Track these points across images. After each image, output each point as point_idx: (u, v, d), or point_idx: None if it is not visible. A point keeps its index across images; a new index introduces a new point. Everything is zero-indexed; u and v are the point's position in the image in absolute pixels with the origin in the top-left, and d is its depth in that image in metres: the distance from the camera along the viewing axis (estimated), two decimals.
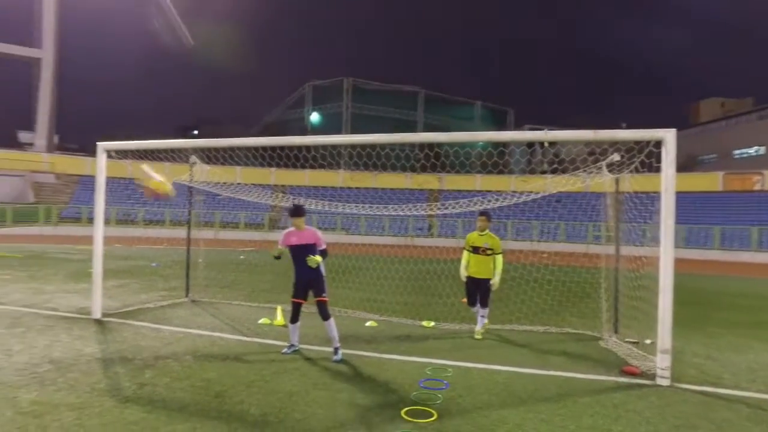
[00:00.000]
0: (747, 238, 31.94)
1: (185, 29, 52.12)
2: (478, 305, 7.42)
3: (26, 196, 38.10)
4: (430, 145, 8.14)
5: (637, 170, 6.48)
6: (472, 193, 8.89)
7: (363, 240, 28.32)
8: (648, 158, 5.96)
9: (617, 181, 7.27)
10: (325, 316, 5.98)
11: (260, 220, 38.66)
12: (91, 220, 8.18)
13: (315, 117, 61.08)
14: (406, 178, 43.08)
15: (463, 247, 7.64)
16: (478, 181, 41.43)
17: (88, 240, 8.30)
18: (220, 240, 30.33)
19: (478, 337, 7.28)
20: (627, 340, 6.93)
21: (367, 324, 7.99)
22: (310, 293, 6.15)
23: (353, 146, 7.79)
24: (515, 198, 8.36)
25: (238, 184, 12.08)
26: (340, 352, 5.94)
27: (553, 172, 8.24)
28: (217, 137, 7.83)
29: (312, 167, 41.84)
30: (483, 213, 7.55)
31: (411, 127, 56.66)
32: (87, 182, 38.10)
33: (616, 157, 7.00)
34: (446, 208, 9.25)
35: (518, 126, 64.33)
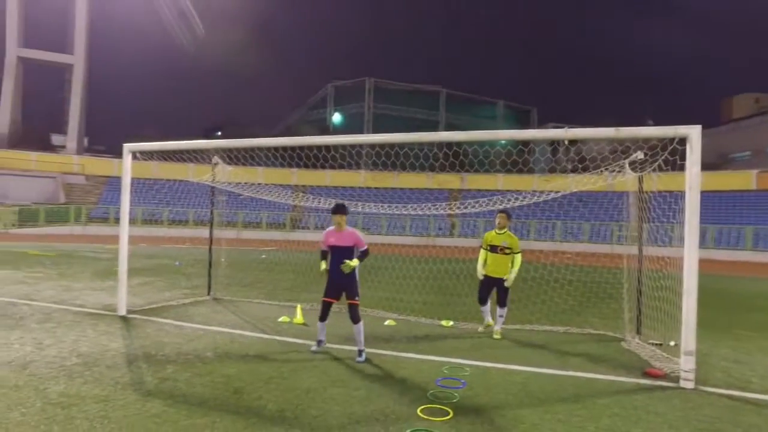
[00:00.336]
0: None
1: (197, 18, 52.97)
2: (496, 305, 7.37)
3: (58, 196, 39.35)
4: (451, 145, 8.11)
5: (660, 168, 6.32)
6: (494, 193, 8.79)
7: (384, 240, 28.37)
8: (672, 155, 5.82)
9: (640, 179, 7.12)
10: (355, 319, 5.96)
11: (282, 220, 39.08)
12: (118, 220, 8.41)
13: (337, 117, 61.40)
14: (427, 178, 42.97)
15: (480, 246, 7.59)
16: (500, 181, 41.03)
17: (116, 240, 8.53)
18: (243, 240, 30.76)
19: (497, 337, 7.23)
20: (650, 341, 6.78)
21: (386, 323, 8.00)
22: (343, 295, 6.12)
23: (374, 146, 7.81)
24: (535, 197, 8.26)
25: (259, 184, 12.24)
26: (364, 354, 5.92)
27: (575, 171, 8.11)
28: (239, 138, 7.94)
29: (332, 167, 42.14)
30: (502, 211, 7.49)
31: (433, 127, 56.39)
32: (114, 183, 39.14)
33: (639, 155, 6.85)
34: (466, 208, 9.19)
35: (541, 125, 63.36)
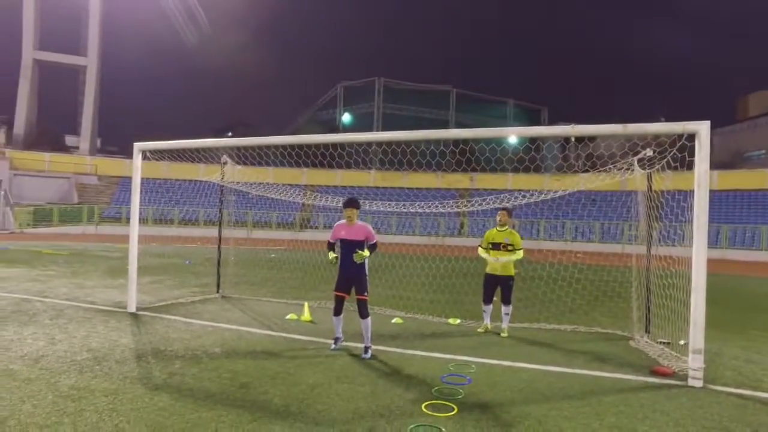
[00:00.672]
0: None
1: (205, 19, 53.44)
2: (492, 305, 7.38)
3: (71, 196, 39.92)
4: (458, 143, 8.12)
5: (668, 165, 6.26)
6: (503, 192, 8.77)
7: (394, 239, 28.41)
8: (680, 152, 5.77)
9: (649, 176, 7.06)
10: (364, 314, 5.98)
11: (291, 219, 39.25)
12: (129, 220, 8.52)
13: (347, 117, 61.54)
14: (436, 178, 42.91)
15: (479, 245, 7.61)
16: (509, 180, 40.84)
17: (127, 239, 8.65)
18: (253, 239, 30.95)
19: (504, 335, 7.21)
20: (659, 340, 6.72)
21: (394, 321, 8.02)
22: (353, 290, 6.13)
23: (383, 145, 7.83)
24: (543, 195, 8.22)
25: (269, 183, 12.32)
26: (371, 351, 5.93)
27: (585, 170, 8.06)
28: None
29: (340, 166, 42.24)
30: (503, 208, 7.51)
31: (443, 127, 56.01)
32: (126, 183, 39.57)
33: (648, 152, 6.80)
34: (473, 206, 9.18)
35: (552, 125, 63.07)
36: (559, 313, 8.75)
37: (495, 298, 7.51)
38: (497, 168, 41.28)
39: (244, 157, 10.72)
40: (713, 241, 30.52)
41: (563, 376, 5.39)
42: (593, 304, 9.70)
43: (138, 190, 8.39)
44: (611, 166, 7.26)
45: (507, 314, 7.34)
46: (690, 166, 5.47)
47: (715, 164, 47.24)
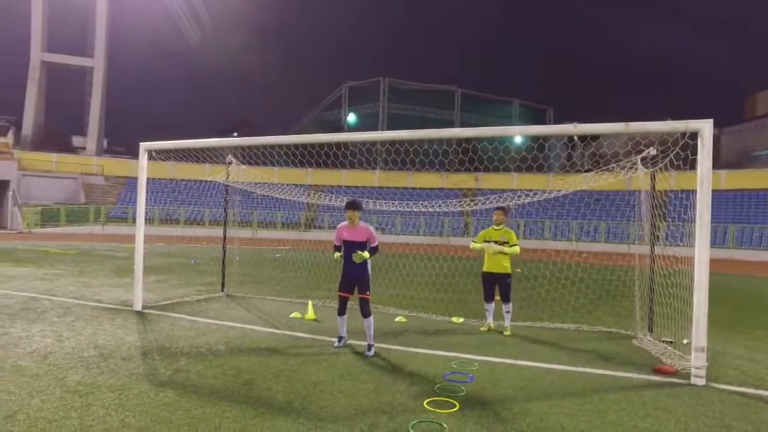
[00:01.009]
0: None
1: (207, 14, 53.71)
2: (494, 303, 7.41)
3: (78, 197, 40.23)
4: (461, 142, 8.15)
5: (671, 164, 6.26)
6: (508, 192, 8.80)
7: (398, 239, 28.43)
8: (684, 151, 5.76)
9: (652, 176, 7.06)
10: (366, 313, 6.03)
11: (296, 219, 39.37)
12: (136, 220, 8.60)
13: (352, 118, 61.67)
14: (441, 178, 42.92)
15: (472, 241, 7.66)
16: (515, 180, 40.79)
17: (133, 239, 8.74)
18: (258, 239, 31.09)
19: (508, 333, 7.23)
20: (663, 339, 6.72)
21: (397, 319, 8.06)
22: (356, 290, 6.18)
23: (389, 146, 7.88)
24: (546, 194, 8.24)
25: (273, 183, 12.39)
26: (374, 349, 5.97)
27: (588, 170, 8.08)
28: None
29: (344, 166, 42.30)
30: (499, 207, 7.58)
31: (448, 127, 56.19)
32: (133, 184, 39.83)
33: (652, 151, 6.79)
34: (476, 205, 9.21)
35: (557, 124, 62.78)
36: (563, 312, 8.75)
37: (497, 297, 7.54)
38: (500, 167, 41.21)
39: (249, 157, 10.80)
40: (720, 241, 30.32)
41: (565, 374, 5.41)
42: (597, 303, 9.69)
43: (144, 190, 8.47)
44: (614, 166, 7.26)
45: (508, 312, 7.37)
46: (694, 165, 5.47)
47: (723, 164, 46.99)
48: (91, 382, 4.65)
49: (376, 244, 6.15)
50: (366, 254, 6.00)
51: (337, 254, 6.24)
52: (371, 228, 6.19)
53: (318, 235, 32.76)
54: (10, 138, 42.76)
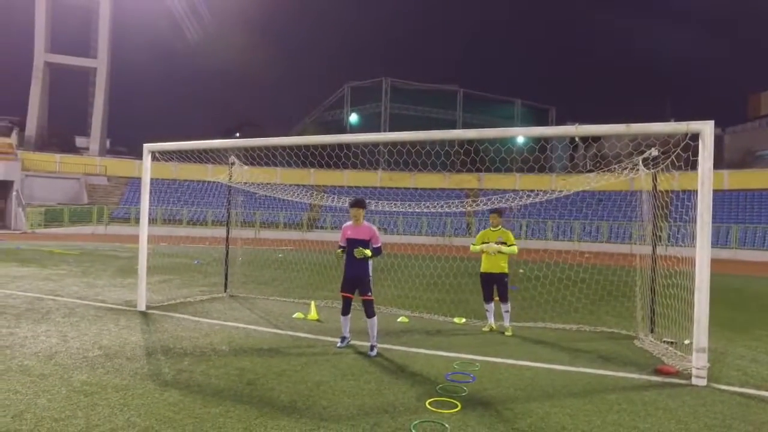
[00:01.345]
0: None
1: (209, 15, 53.77)
2: (494, 303, 7.44)
3: (81, 197, 40.36)
4: (463, 143, 8.19)
5: (673, 165, 6.27)
6: (510, 193, 8.83)
7: (401, 240, 28.44)
8: (685, 152, 5.78)
9: (654, 176, 7.07)
10: (370, 313, 6.07)
11: (299, 219, 39.42)
12: (138, 221, 8.65)
13: (354, 118, 61.66)
14: (443, 178, 42.91)
15: (471, 244, 7.71)
16: (517, 180, 40.77)
17: (136, 239, 8.80)
18: (260, 239, 31.14)
19: (509, 333, 7.26)
20: (664, 340, 6.73)
21: (399, 320, 8.09)
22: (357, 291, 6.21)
23: (392, 146, 7.90)
24: (548, 195, 8.26)
25: (276, 183, 12.43)
26: (376, 349, 6.01)
27: (589, 170, 8.09)
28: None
29: (347, 166, 42.33)
30: (493, 210, 7.65)
31: (450, 127, 56.03)
32: (135, 184, 39.98)
33: (653, 152, 6.81)
34: (478, 205, 9.24)
35: (560, 124, 62.76)
36: (564, 313, 8.77)
37: (496, 298, 7.57)
38: (503, 168, 41.20)
39: (251, 157, 10.84)
40: (723, 242, 30.23)
41: (567, 374, 5.43)
42: (598, 304, 9.71)
43: (147, 190, 8.52)
44: (616, 166, 7.28)
45: (507, 312, 7.40)
46: (696, 165, 5.49)
47: (726, 164, 46.81)
48: (96, 381, 4.70)
49: (378, 245, 6.19)
50: (368, 252, 6.04)
51: (339, 250, 6.29)
52: (375, 229, 6.23)
53: (320, 235, 32.81)
54: (13, 138, 42.93)
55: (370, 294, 6.13)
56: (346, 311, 6.27)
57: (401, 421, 4.01)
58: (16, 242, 24.17)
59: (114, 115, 53.63)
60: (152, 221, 8.75)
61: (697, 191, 5.39)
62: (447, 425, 3.92)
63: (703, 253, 5.28)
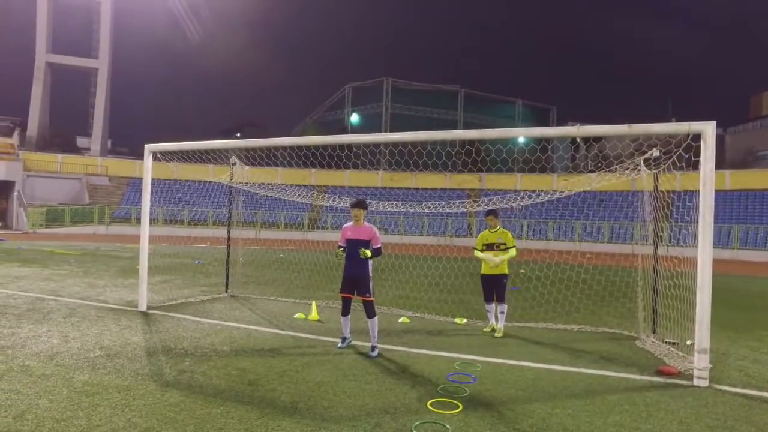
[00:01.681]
0: None
1: (211, 16, 53.79)
2: (494, 303, 7.45)
3: (82, 197, 40.41)
4: (464, 143, 8.18)
5: (675, 165, 6.26)
6: (511, 193, 8.83)
7: (402, 240, 28.44)
8: (686, 152, 5.77)
9: (656, 177, 7.06)
10: (370, 314, 6.07)
11: (300, 220, 39.43)
12: (140, 221, 8.66)
13: (355, 118, 61.66)
14: (445, 178, 42.88)
15: (473, 247, 7.69)
16: (519, 180, 40.72)
17: (137, 239, 8.81)
18: (261, 239, 31.15)
19: (499, 335, 7.21)
20: (666, 340, 6.72)
21: (400, 320, 8.08)
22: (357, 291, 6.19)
23: (393, 146, 7.90)
24: (550, 195, 8.25)
25: (277, 184, 12.44)
26: (377, 350, 6.01)
27: (591, 171, 8.09)
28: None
29: (348, 167, 42.34)
30: (489, 212, 7.64)
31: (451, 127, 56.08)
32: (137, 184, 40.00)
33: (655, 152, 6.80)
34: (480, 205, 9.24)
35: (561, 124, 62.69)
36: (566, 313, 8.76)
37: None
38: (504, 168, 41.19)
39: (252, 158, 10.84)
40: (725, 242, 30.18)
41: (568, 375, 5.42)
42: (600, 304, 9.69)
43: (149, 190, 8.52)
44: (617, 167, 7.27)
45: (503, 313, 7.39)
46: (697, 166, 5.48)
47: (728, 164, 46.74)
48: (97, 382, 4.70)
49: (378, 246, 6.19)
50: (368, 252, 6.05)
51: (339, 250, 6.29)
52: (375, 229, 6.24)
53: (321, 235, 32.82)
54: (15, 139, 43.00)
55: (368, 295, 6.13)
56: (345, 312, 6.26)
57: (402, 421, 4.01)
58: (17, 242, 24.20)
59: (115, 116, 53.74)
60: (153, 221, 8.77)
61: (698, 191, 5.38)
62: (448, 426, 3.91)
63: (705, 253, 5.27)
